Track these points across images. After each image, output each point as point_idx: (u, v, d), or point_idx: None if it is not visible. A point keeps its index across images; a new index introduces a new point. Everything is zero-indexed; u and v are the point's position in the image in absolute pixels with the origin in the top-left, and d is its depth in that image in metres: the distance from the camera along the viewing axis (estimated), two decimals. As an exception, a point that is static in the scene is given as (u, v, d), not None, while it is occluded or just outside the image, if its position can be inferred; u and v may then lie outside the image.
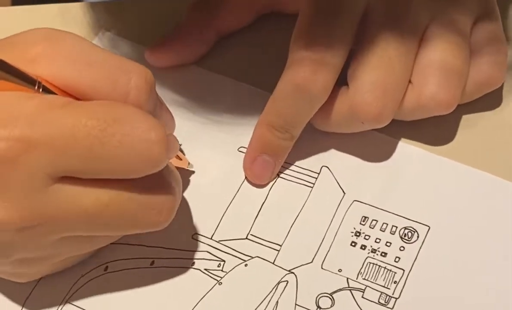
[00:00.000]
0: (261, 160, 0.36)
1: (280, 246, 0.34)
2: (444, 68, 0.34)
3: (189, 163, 0.36)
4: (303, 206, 0.35)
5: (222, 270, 0.34)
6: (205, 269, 0.34)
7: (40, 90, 0.29)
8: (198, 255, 0.34)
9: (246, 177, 0.36)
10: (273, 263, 0.34)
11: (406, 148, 0.37)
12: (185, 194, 0.36)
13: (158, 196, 0.30)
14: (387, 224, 0.35)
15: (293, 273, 0.34)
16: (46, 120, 0.28)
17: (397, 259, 0.34)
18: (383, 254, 0.34)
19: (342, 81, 0.35)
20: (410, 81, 0.35)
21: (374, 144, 0.37)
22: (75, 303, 0.33)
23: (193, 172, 0.37)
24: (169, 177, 0.31)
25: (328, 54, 0.33)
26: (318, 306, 0.33)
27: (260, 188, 0.36)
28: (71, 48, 0.30)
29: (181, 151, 0.37)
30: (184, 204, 0.36)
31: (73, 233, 0.30)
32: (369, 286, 0.33)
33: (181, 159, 0.36)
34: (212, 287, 0.33)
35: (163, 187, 0.30)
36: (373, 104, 0.33)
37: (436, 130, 0.37)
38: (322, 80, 0.33)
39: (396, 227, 0.34)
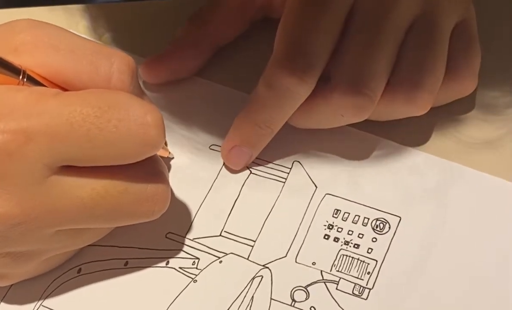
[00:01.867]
0: (238, 150, 0.36)
1: (254, 241, 0.35)
2: (421, 69, 0.34)
3: (169, 152, 0.36)
4: (275, 201, 0.36)
5: (196, 268, 0.34)
6: (180, 268, 0.34)
7: (25, 79, 0.29)
8: (172, 253, 0.34)
9: (223, 163, 0.37)
10: (247, 259, 0.34)
11: (376, 141, 0.37)
12: (158, 193, 0.36)
13: (153, 187, 0.31)
14: (359, 216, 0.35)
15: (267, 268, 0.34)
16: (41, 111, 0.28)
17: (369, 250, 0.34)
18: (356, 245, 0.34)
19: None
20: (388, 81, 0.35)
21: (345, 138, 0.37)
22: (48, 306, 0.33)
23: (172, 158, 0.37)
24: (161, 167, 0.31)
25: (315, 52, 0.33)
26: (293, 300, 0.33)
27: (236, 172, 0.36)
28: (53, 36, 0.30)
29: None
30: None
31: (69, 225, 0.30)
32: (343, 278, 0.33)
33: (162, 148, 0.36)
34: (187, 285, 0.33)
35: (157, 177, 0.31)
36: (355, 98, 0.33)
37: (409, 131, 0.37)
38: (309, 81, 0.33)
39: (368, 218, 0.35)
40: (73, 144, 0.28)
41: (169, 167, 0.37)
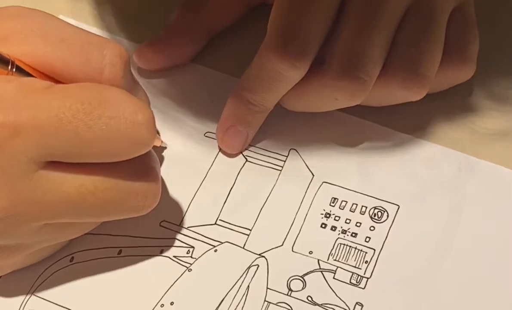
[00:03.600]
0: (234, 130, 0.35)
1: (250, 230, 0.34)
2: (417, 53, 0.34)
3: (162, 141, 0.36)
4: (272, 190, 0.35)
5: (191, 257, 0.33)
6: (174, 256, 0.33)
7: (14, 69, 0.29)
8: (166, 242, 0.34)
9: (219, 148, 0.36)
10: (243, 248, 0.34)
11: (373, 128, 0.37)
12: (152, 181, 0.35)
13: (143, 183, 0.30)
14: (356, 205, 0.34)
15: (263, 257, 0.33)
16: (30, 104, 0.27)
17: (367, 239, 0.34)
18: (353, 234, 0.34)
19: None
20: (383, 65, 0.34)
21: (342, 126, 0.37)
22: (40, 295, 0.33)
23: (165, 147, 0.36)
24: (153, 162, 0.31)
25: (308, 37, 0.33)
26: (290, 289, 0.32)
27: (232, 157, 0.36)
28: (42, 25, 0.29)
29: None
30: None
31: (56, 220, 0.30)
32: (340, 267, 0.33)
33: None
34: (182, 274, 0.33)
35: (147, 172, 0.30)
36: (349, 81, 0.33)
37: (405, 116, 0.36)
38: (301, 65, 0.33)
39: (366, 207, 0.34)
40: (61, 140, 0.28)
41: (162, 157, 0.36)
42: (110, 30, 0.41)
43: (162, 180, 0.35)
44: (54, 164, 0.28)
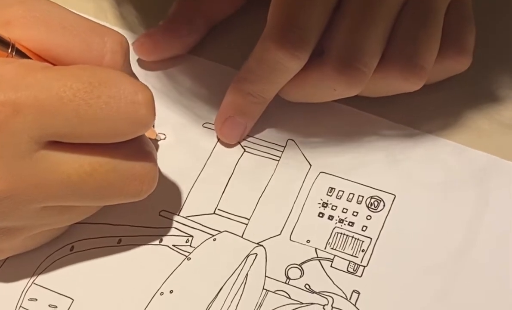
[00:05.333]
0: (232, 121, 0.36)
1: (248, 219, 0.34)
2: (415, 44, 0.34)
3: (157, 134, 0.36)
4: (270, 179, 0.35)
5: (190, 246, 0.34)
6: (173, 245, 0.34)
7: (14, 53, 0.29)
8: (165, 231, 0.34)
9: (217, 137, 0.36)
10: (241, 237, 0.34)
11: (371, 119, 0.37)
12: (151, 171, 0.36)
13: (141, 165, 0.30)
14: (353, 194, 0.35)
15: (262, 245, 0.33)
16: (30, 83, 0.28)
17: (364, 228, 0.34)
18: (350, 223, 0.34)
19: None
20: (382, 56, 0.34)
21: (339, 116, 0.37)
22: (41, 284, 0.33)
23: (159, 140, 0.36)
24: (149, 147, 0.31)
25: (308, 27, 0.33)
26: (288, 277, 0.33)
27: (230, 147, 0.36)
28: (45, 11, 0.30)
29: None
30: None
31: (55, 202, 0.30)
32: (337, 256, 0.33)
33: (150, 130, 0.35)
34: (181, 263, 0.33)
35: (144, 156, 0.30)
36: (347, 72, 0.33)
37: (401, 107, 0.37)
38: (300, 56, 0.33)
39: (363, 196, 0.35)
40: (61, 119, 0.28)
41: (159, 146, 0.36)
42: (108, 21, 0.41)
43: (161, 170, 0.35)
44: (53, 144, 0.28)
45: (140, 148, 0.30)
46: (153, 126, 0.36)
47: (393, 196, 0.35)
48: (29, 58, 0.29)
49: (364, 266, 0.33)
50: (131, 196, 0.30)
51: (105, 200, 0.31)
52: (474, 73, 0.37)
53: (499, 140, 0.36)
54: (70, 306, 0.32)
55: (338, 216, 0.34)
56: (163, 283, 0.33)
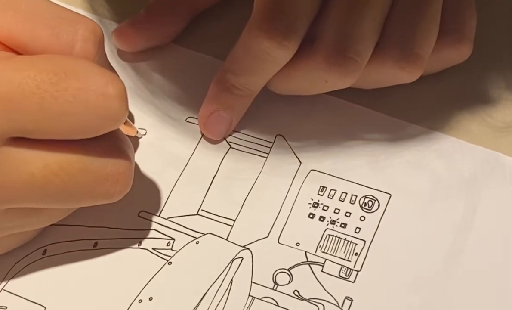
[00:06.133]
0: (217, 115, 0.34)
1: (234, 221, 0.33)
2: (412, 32, 0.33)
3: (137, 131, 0.34)
4: (257, 178, 0.34)
5: (171, 249, 0.32)
6: (153, 249, 0.32)
7: None
8: (145, 234, 0.33)
9: (201, 133, 0.35)
10: (226, 239, 0.33)
11: (364, 112, 0.36)
12: (130, 169, 0.34)
13: (114, 164, 0.29)
14: (346, 194, 0.34)
15: (248, 249, 0.32)
16: None
17: (357, 230, 0.33)
18: (342, 225, 0.33)
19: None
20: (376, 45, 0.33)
21: (331, 110, 0.36)
22: (11, 290, 0.31)
23: (140, 137, 0.35)
24: (124, 145, 0.29)
25: (297, 14, 0.32)
26: (276, 283, 0.31)
27: (215, 143, 0.35)
28: None
29: (130, 117, 0.35)
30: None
31: (19, 204, 0.28)
32: (328, 260, 0.32)
33: (129, 126, 0.34)
34: (161, 268, 0.32)
35: (118, 154, 0.29)
36: (340, 62, 0.32)
37: (397, 100, 0.36)
38: (289, 45, 0.32)
39: (356, 196, 0.33)
40: (24, 113, 0.26)
41: (136, 146, 0.35)
42: (94, 9, 0.39)
43: (140, 168, 0.34)
44: (17, 141, 0.27)
45: (114, 145, 0.29)
46: (133, 122, 0.35)
47: (389, 195, 0.34)
48: None
49: (357, 271, 0.32)
50: (103, 198, 0.29)
51: (75, 202, 0.29)
52: (473, 66, 0.36)
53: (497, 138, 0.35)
54: (42, 314, 0.31)
55: (330, 217, 0.33)
56: (142, 289, 0.31)
